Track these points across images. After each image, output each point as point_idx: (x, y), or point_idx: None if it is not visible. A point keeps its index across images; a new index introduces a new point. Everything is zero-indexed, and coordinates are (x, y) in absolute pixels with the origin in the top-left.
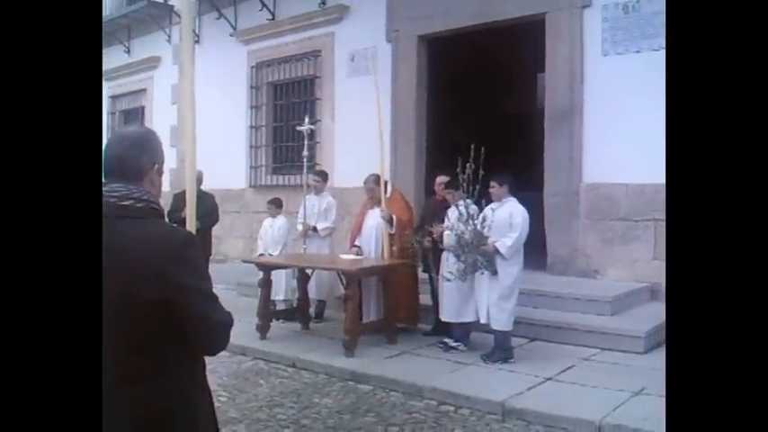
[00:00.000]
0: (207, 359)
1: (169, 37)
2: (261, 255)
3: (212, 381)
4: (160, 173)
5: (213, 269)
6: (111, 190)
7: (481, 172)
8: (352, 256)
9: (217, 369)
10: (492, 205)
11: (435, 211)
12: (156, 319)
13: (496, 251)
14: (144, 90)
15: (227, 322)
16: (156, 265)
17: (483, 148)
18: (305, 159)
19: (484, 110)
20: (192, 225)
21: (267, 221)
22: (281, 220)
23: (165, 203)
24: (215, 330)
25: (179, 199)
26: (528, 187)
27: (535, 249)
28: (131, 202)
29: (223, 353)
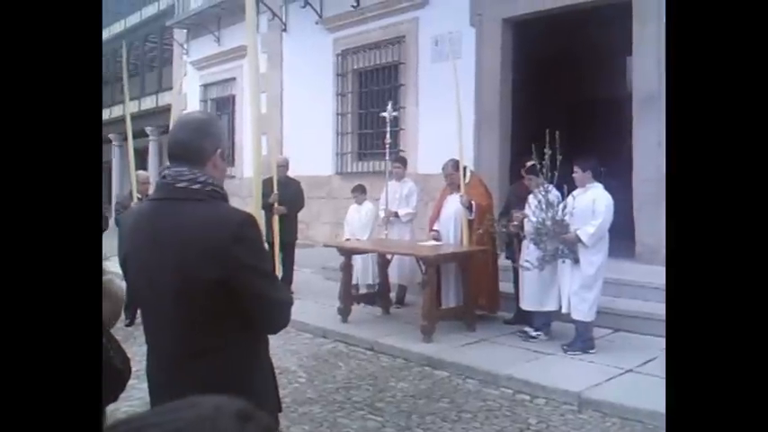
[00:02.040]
0: (290, 341)
1: (257, 26)
2: (347, 240)
3: (293, 362)
4: (223, 157)
5: (300, 253)
6: (173, 173)
7: (558, 157)
8: (430, 243)
9: (299, 350)
10: (575, 192)
11: (521, 197)
12: (217, 298)
13: (578, 239)
14: (234, 79)
15: (286, 301)
16: (215, 246)
17: (557, 133)
18: (387, 146)
19: (571, 94)
20: (257, 208)
21: (353, 207)
22: (367, 206)
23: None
24: (274, 309)
25: (266, 185)
26: (617, 173)
27: (623, 238)
28: (192, 184)
29: (305, 335)
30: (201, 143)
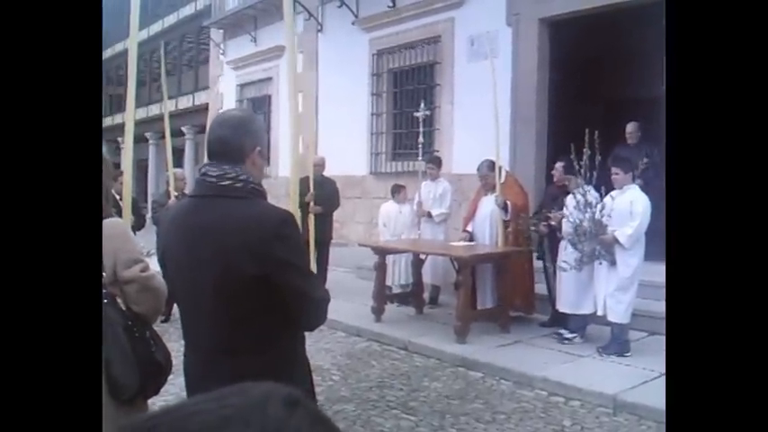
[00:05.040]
0: (323, 339)
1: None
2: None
3: (327, 360)
4: (262, 155)
5: (334, 253)
6: (213, 170)
7: (598, 157)
8: (462, 243)
9: (332, 349)
10: (612, 193)
11: (555, 198)
12: (257, 295)
13: (616, 241)
14: (270, 78)
15: (324, 299)
16: (256, 243)
17: (597, 133)
18: (420, 146)
19: (608, 94)
20: (295, 207)
21: (393, 208)
22: (409, 206)
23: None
24: (312, 306)
25: (302, 184)
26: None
27: (662, 240)
28: (231, 182)
29: (339, 333)
30: (241, 141)
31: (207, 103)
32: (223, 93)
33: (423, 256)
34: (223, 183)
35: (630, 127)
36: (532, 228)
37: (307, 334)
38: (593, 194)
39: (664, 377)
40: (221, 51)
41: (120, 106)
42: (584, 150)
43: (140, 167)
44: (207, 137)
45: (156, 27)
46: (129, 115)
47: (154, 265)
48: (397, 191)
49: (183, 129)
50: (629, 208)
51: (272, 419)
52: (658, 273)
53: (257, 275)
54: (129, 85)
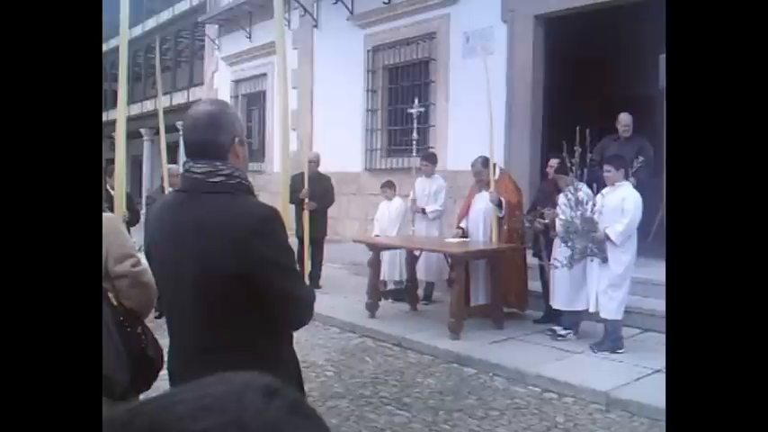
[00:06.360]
0: (317, 335)
1: (288, 22)
2: (377, 236)
3: (320, 356)
4: (242, 143)
5: (329, 249)
6: (195, 166)
7: (589, 155)
8: (456, 240)
9: (326, 344)
10: (604, 190)
11: (548, 195)
12: (237, 293)
13: (607, 238)
14: (265, 74)
15: (307, 298)
16: (237, 240)
17: (588, 131)
18: (414, 142)
19: (604, 91)
20: (285, 203)
21: (383, 204)
22: (397, 202)
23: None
24: (295, 305)
25: (297, 180)
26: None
27: (658, 237)
28: (214, 177)
29: (333, 329)
30: (217, 139)
31: (200, 99)
32: (218, 88)
33: (417, 253)
34: (206, 178)
35: (626, 119)
36: (527, 225)
37: (301, 330)
38: (584, 192)
39: (657, 374)
40: (216, 47)
41: (114, 102)
42: (575, 148)
43: (135, 163)
44: (183, 140)
45: (151, 23)
46: (121, 111)
47: (145, 261)
48: (385, 186)
49: (178, 124)
50: (621, 205)
51: (250, 409)
52: (653, 270)
53: (239, 273)
54: (121, 81)
